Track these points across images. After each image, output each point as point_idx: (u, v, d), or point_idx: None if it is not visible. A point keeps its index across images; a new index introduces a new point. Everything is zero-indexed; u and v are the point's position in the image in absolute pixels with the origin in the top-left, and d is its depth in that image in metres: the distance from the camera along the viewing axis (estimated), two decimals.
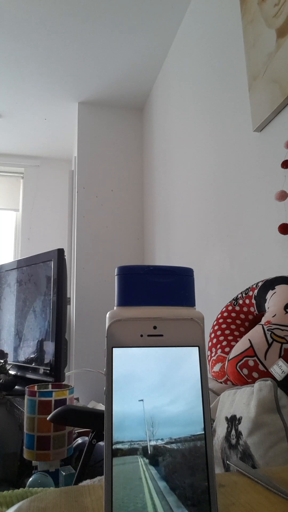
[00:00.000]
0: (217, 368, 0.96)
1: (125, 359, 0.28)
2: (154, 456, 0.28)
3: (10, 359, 1.92)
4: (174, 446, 0.28)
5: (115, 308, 0.31)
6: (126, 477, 0.27)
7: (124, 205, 2.72)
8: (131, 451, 0.27)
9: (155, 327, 0.29)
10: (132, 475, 0.27)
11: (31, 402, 1.12)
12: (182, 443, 0.28)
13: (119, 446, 0.27)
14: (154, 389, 0.28)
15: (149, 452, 0.28)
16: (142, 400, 0.28)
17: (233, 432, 0.66)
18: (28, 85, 2.56)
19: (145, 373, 0.29)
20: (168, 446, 0.28)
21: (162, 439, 0.28)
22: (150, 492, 0.27)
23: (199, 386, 0.29)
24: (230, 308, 1.08)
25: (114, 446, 0.27)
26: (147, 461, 0.28)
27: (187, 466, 0.28)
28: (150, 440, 0.28)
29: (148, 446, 0.28)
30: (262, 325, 0.82)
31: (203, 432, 0.28)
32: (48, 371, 1.63)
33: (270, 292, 0.94)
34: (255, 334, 0.81)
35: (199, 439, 0.28)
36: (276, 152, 1.20)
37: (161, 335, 0.29)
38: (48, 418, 0.97)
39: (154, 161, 2.54)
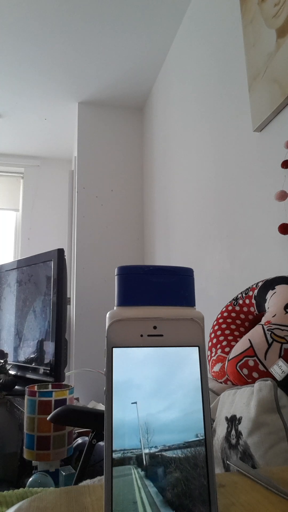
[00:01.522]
0: (217, 368, 0.96)
1: (125, 359, 0.28)
2: (149, 467, 0.26)
3: (10, 359, 1.92)
4: (168, 454, 0.27)
5: (115, 308, 0.31)
6: (119, 498, 0.25)
7: (124, 205, 2.72)
8: (124, 461, 0.26)
9: (155, 327, 0.29)
10: (126, 496, 0.26)
11: (31, 402, 1.12)
12: (176, 451, 0.27)
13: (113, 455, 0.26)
14: (151, 394, 0.28)
15: (144, 462, 0.27)
16: (135, 402, 0.27)
17: (233, 432, 0.66)
18: (28, 85, 2.56)
19: (144, 375, 0.28)
20: (163, 454, 0.27)
21: (156, 447, 0.27)
22: (140, 492, 0.26)
23: (199, 387, 0.29)
24: (230, 308, 1.08)
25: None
26: (142, 473, 0.26)
27: (182, 475, 0.27)
28: (144, 448, 0.27)
29: (143, 454, 0.27)
30: (262, 325, 0.82)
31: (197, 439, 0.28)
32: (48, 371, 1.63)
33: (270, 292, 0.94)
34: (255, 334, 0.81)
35: (192, 446, 0.27)
36: (276, 152, 1.20)
37: (161, 335, 0.29)
38: (48, 418, 0.97)
39: (154, 161, 2.54)
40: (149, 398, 0.28)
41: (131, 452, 0.27)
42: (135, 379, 0.28)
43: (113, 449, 0.26)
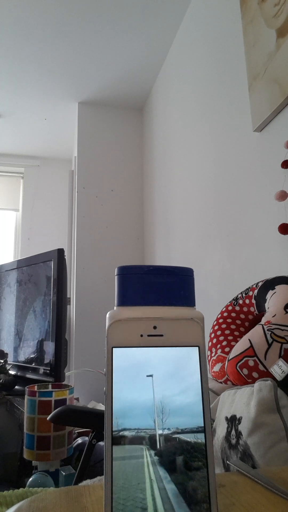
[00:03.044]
0: (217, 368, 0.96)
1: (125, 359, 0.28)
2: (165, 452, 0.25)
3: (10, 359, 1.92)
4: (185, 437, 0.26)
5: (115, 308, 0.31)
6: (127, 481, 0.24)
7: (124, 205, 2.72)
8: (137, 439, 0.25)
9: (155, 327, 0.29)
10: (132, 494, 0.24)
11: (31, 402, 1.12)
12: (188, 434, 0.26)
13: (125, 433, 0.26)
14: (166, 376, 0.27)
15: (158, 444, 0.25)
16: (151, 375, 0.27)
17: (233, 432, 0.66)
18: (28, 85, 2.55)
19: (151, 367, 0.28)
20: (181, 438, 0.26)
21: (169, 429, 0.26)
22: (152, 489, 0.24)
23: (199, 386, 0.29)
24: (230, 308, 1.08)
25: (121, 433, 0.26)
26: (155, 458, 0.25)
27: (193, 461, 0.26)
28: (158, 429, 0.26)
29: (157, 435, 0.26)
30: (262, 325, 0.82)
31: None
32: (48, 371, 1.63)
33: (270, 292, 0.94)
34: (255, 334, 0.81)
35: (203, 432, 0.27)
36: (276, 152, 1.20)
37: (161, 335, 0.29)
38: (48, 418, 0.97)
39: (154, 161, 2.54)
40: (164, 380, 0.27)
41: (145, 431, 0.25)
42: (151, 360, 0.27)
43: (128, 427, 0.26)
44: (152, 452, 0.25)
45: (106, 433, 0.27)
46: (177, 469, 0.25)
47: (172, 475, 0.25)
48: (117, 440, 0.26)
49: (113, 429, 0.26)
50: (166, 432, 0.26)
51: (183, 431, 0.26)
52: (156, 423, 0.26)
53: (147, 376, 0.27)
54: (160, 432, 0.26)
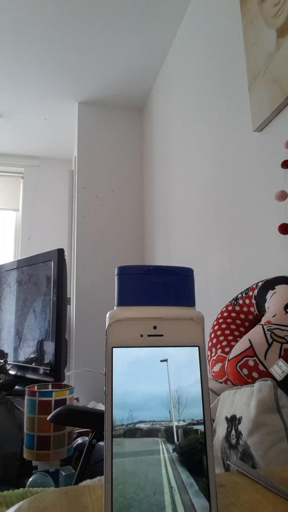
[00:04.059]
0: (217, 368, 0.96)
1: (125, 359, 0.28)
2: (184, 447, 0.23)
3: (10, 359, 1.92)
4: (197, 428, 0.24)
5: (115, 308, 0.31)
6: (139, 489, 0.22)
7: (124, 205, 2.72)
8: (152, 432, 0.24)
9: (155, 327, 0.29)
10: (149, 486, 0.21)
11: (31, 402, 1.12)
12: (203, 425, 0.25)
13: (141, 425, 0.24)
14: (180, 367, 0.27)
15: (176, 438, 0.24)
16: (165, 360, 0.26)
17: (233, 432, 0.66)
18: (28, 85, 2.55)
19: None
20: (202, 430, 0.24)
21: (184, 420, 0.25)
22: (174, 507, 0.21)
23: (199, 386, 0.29)
24: (230, 308, 1.08)
25: (136, 426, 0.25)
26: (174, 455, 0.22)
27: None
28: (174, 421, 0.24)
29: (174, 427, 0.24)
30: (262, 325, 0.82)
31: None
32: (48, 371, 1.63)
33: (270, 292, 0.94)
34: (255, 334, 0.81)
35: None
36: (276, 152, 1.20)
37: (161, 335, 0.29)
38: (48, 418, 0.97)
39: (154, 161, 2.54)
40: (178, 371, 0.27)
41: (160, 423, 0.23)
42: (165, 353, 0.26)
43: (141, 420, 0.25)
44: (170, 447, 0.22)
45: (106, 432, 0.27)
46: (205, 472, 0.21)
47: (200, 481, 0.20)
48: (132, 432, 0.24)
49: (128, 422, 0.24)
50: (182, 423, 0.23)
51: (198, 422, 0.24)
52: (172, 413, 0.24)
53: (161, 361, 0.26)
54: (176, 424, 0.23)
